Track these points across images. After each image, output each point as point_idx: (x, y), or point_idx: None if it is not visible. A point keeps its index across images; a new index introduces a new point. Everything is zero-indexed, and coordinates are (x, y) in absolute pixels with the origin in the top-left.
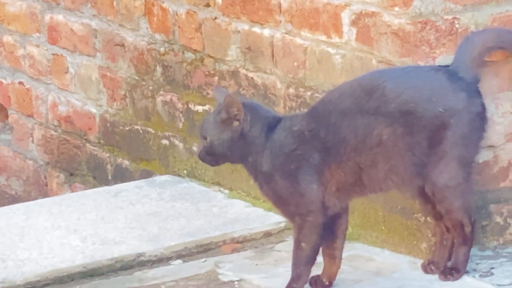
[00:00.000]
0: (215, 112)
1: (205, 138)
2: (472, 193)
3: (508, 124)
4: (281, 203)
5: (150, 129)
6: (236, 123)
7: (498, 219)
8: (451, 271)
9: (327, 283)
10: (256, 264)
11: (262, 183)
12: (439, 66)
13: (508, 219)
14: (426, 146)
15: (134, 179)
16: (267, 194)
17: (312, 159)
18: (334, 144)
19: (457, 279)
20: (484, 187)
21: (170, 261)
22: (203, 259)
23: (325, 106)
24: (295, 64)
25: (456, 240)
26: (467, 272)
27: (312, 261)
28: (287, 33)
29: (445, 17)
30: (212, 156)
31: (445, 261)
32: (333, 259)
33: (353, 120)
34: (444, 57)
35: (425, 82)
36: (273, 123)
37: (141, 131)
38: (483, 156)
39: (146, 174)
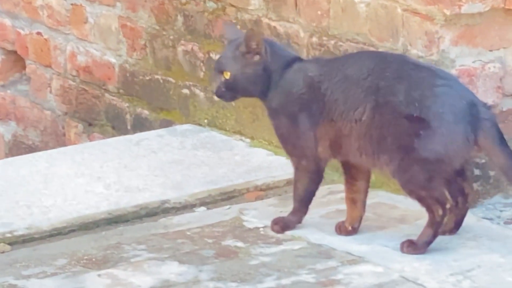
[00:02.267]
0: (232, 46)
1: (223, 73)
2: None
3: None
4: (282, 140)
5: (170, 79)
6: (257, 57)
7: None
8: (411, 245)
9: (350, 228)
10: (280, 211)
11: (270, 118)
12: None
13: None
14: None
15: (153, 129)
16: (274, 129)
17: (314, 107)
18: (329, 102)
19: (412, 254)
20: (507, 135)
21: (194, 208)
22: (227, 206)
23: (337, 64)
24: (319, 12)
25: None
26: (491, 219)
27: (305, 200)
28: None
29: None
30: (232, 91)
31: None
32: (354, 203)
33: (349, 87)
34: (470, 5)
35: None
36: (290, 61)
37: (161, 81)
38: (507, 104)
39: (166, 124)
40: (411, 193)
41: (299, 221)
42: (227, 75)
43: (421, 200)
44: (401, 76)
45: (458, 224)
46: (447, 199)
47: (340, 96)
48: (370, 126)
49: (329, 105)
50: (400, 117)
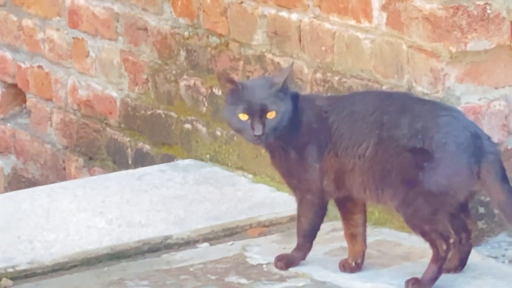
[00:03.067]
0: (265, 85)
1: (267, 113)
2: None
3: None
4: (287, 174)
5: (172, 113)
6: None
7: None
8: (416, 282)
9: (353, 264)
10: (284, 248)
11: (274, 151)
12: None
13: None
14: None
15: (154, 164)
16: (277, 164)
17: (321, 138)
18: (335, 135)
19: None
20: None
21: (197, 244)
22: (230, 243)
23: (346, 100)
24: (323, 48)
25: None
26: (496, 258)
27: (310, 235)
28: (315, 18)
29: (477, 2)
30: (276, 131)
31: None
32: (354, 238)
33: (355, 123)
34: (476, 43)
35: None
36: (293, 95)
37: (163, 115)
38: (511, 142)
39: (167, 159)
40: (415, 227)
41: (303, 258)
42: (272, 115)
43: (425, 234)
44: (404, 110)
45: (462, 262)
46: (451, 234)
47: (346, 131)
48: (374, 161)
49: (334, 139)
50: (404, 150)
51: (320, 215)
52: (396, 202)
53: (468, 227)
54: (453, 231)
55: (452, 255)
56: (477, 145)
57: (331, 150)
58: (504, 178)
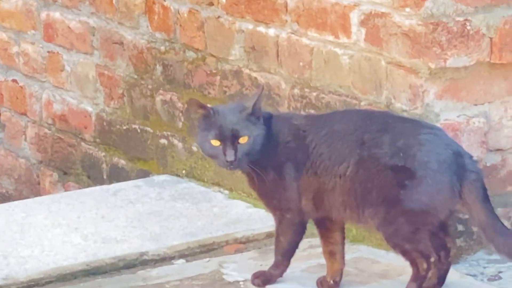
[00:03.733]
0: (235, 111)
1: (240, 139)
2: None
3: None
4: (265, 195)
5: (148, 129)
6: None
7: (506, 223)
8: None
9: (332, 282)
10: (261, 265)
11: (251, 174)
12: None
13: None
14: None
15: (130, 179)
16: (254, 186)
17: (299, 156)
18: (313, 155)
19: None
20: (491, 191)
21: (173, 261)
22: (207, 259)
23: (324, 119)
24: (301, 64)
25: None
26: (474, 276)
27: (288, 254)
28: (293, 33)
29: (457, 18)
30: (249, 156)
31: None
32: (333, 256)
33: (335, 143)
34: (455, 59)
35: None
36: (267, 116)
37: (139, 130)
38: (491, 159)
39: (143, 174)
40: (396, 246)
41: (281, 275)
42: (244, 140)
43: (405, 253)
44: (385, 128)
45: (441, 280)
46: (432, 253)
47: (325, 150)
48: (354, 180)
49: (313, 158)
50: (385, 169)
51: (300, 233)
52: (377, 221)
53: (447, 245)
54: (433, 250)
55: (431, 273)
56: (459, 164)
57: (310, 169)
58: (485, 197)
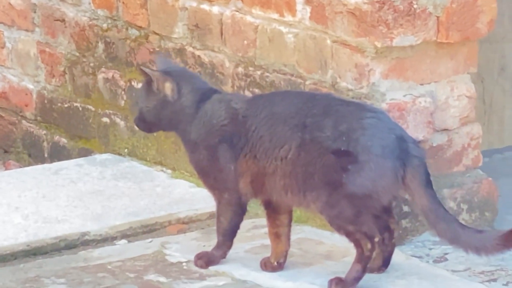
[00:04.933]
0: (145, 80)
1: (137, 105)
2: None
3: (463, 108)
4: (203, 175)
5: (90, 107)
6: (162, 94)
7: (452, 204)
8: (340, 282)
9: (275, 263)
10: (204, 246)
11: (189, 152)
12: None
13: (461, 204)
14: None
15: (71, 158)
16: (193, 163)
17: (235, 140)
18: (253, 138)
19: None
20: (437, 171)
21: (115, 241)
22: (149, 240)
23: (264, 101)
24: (245, 42)
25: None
26: (420, 257)
27: (230, 234)
28: (237, 11)
29: None
30: (144, 123)
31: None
32: (278, 237)
33: (275, 125)
34: (402, 38)
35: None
36: (207, 95)
37: (80, 109)
38: (437, 139)
39: (85, 153)
40: (339, 228)
41: (224, 256)
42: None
43: (349, 235)
44: (328, 111)
45: (386, 262)
46: (376, 233)
47: (265, 133)
48: (296, 164)
49: (252, 141)
50: (327, 153)
51: (239, 214)
52: (320, 204)
53: (391, 226)
54: (377, 230)
55: (375, 255)
56: (403, 148)
57: (248, 153)
58: (428, 182)
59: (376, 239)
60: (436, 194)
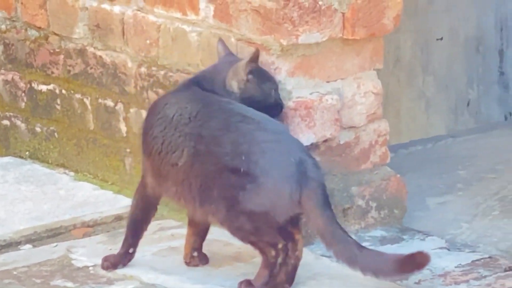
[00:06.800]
0: None
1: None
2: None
3: (369, 104)
4: None
5: None
6: None
7: (360, 202)
8: (249, 285)
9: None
10: (110, 249)
11: None
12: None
13: (370, 202)
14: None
15: None
16: None
17: (143, 135)
18: (149, 137)
19: None
20: (345, 169)
21: (19, 246)
22: (54, 244)
23: (167, 98)
24: (148, 42)
25: None
26: (330, 257)
27: (129, 227)
28: (139, 10)
29: None
30: None
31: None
32: (192, 236)
33: (168, 128)
34: (307, 35)
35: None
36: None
37: None
38: (344, 137)
39: None
40: (242, 239)
41: (128, 255)
42: None
43: (252, 244)
44: (228, 127)
45: (290, 278)
46: (278, 240)
47: (159, 134)
48: (189, 173)
49: (149, 140)
50: (226, 170)
51: (141, 207)
52: (220, 217)
53: (295, 237)
54: (280, 237)
55: (281, 259)
56: (301, 172)
57: (147, 150)
58: (325, 204)
59: (280, 246)
60: (334, 215)
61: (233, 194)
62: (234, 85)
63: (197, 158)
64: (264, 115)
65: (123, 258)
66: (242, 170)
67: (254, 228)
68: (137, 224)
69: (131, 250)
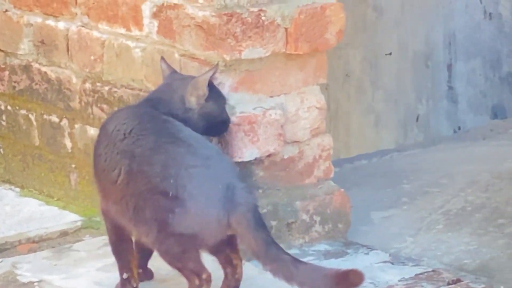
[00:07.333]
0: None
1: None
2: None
3: (313, 119)
4: None
5: None
6: None
7: (304, 216)
8: None
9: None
10: (55, 265)
11: None
12: None
13: (314, 216)
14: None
15: None
16: None
17: (94, 154)
18: (95, 153)
19: None
20: (289, 183)
21: None
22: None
23: (112, 115)
24: (92, 58)
25: None
26: None
27: (113, 251)
28: (83, 26)
29: (251, 9)
30: None
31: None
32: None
33: (108, 145)
34: (250, 50)
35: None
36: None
37: None
38: (288, 151)
39: None
40: (170, 263)
41: (123, 279)
42: None
43: (179, 270)
44: (157, 148)
45: None
46: (203, 270)
47: (103, 152)
48: (126, 192)
49: (96, 157)
50: (156, 191)
51: (110, 229)
52: (151, 239)
53: (234, 262)
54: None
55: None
56: (228, 197)
57: (94, 168)
58: (257, 226)
59: (204, 276)
60: (268, 234)
61: (163, 217)
62: (193, 100)
63: (132, 177)
64: (197, 137)
65: (124, 285)
66: (171, 193)
67: (182, 252)
68: (116, 247)
69: (125, 276)
